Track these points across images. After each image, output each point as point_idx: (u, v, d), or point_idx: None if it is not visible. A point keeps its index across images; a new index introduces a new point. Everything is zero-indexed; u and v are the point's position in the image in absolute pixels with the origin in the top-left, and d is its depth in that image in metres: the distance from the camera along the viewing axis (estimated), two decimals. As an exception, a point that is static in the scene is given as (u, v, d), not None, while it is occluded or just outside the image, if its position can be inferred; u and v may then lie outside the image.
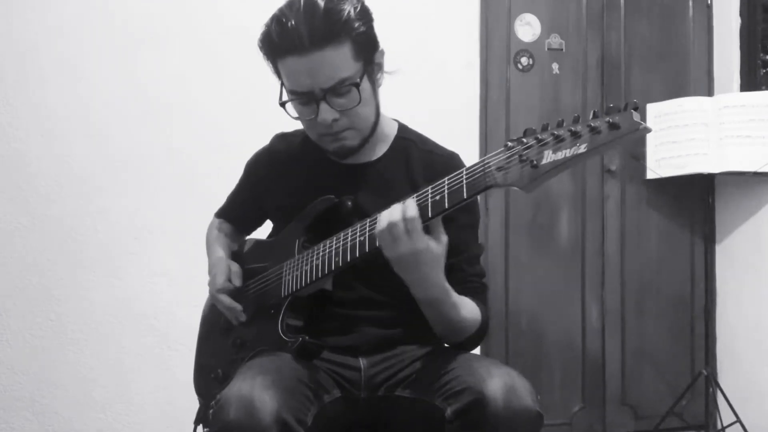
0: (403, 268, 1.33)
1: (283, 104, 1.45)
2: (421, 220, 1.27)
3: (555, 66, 3.30)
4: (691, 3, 3.43)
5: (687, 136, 3.00)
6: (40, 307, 2.75)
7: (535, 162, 1.13)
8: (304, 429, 1.27)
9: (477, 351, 2.70)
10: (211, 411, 1.27)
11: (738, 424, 2.90)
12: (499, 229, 3.19)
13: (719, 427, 3.03)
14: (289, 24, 1.35)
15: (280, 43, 1.38)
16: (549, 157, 1.11)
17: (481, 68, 3.23)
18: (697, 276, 3.35)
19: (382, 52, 1.50)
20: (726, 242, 3.33)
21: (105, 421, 2.79)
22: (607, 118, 1.07)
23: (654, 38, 3.40)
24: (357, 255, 1.36)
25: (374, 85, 1.49)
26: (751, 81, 3.32)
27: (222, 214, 1.82)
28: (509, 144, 1.17)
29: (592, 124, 1.08)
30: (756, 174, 2.94)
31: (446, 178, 1.26)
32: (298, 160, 1.62)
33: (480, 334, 1.50)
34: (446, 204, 1.25)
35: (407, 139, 1.60)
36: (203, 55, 2.91)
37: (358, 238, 1.36)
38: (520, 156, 1.15)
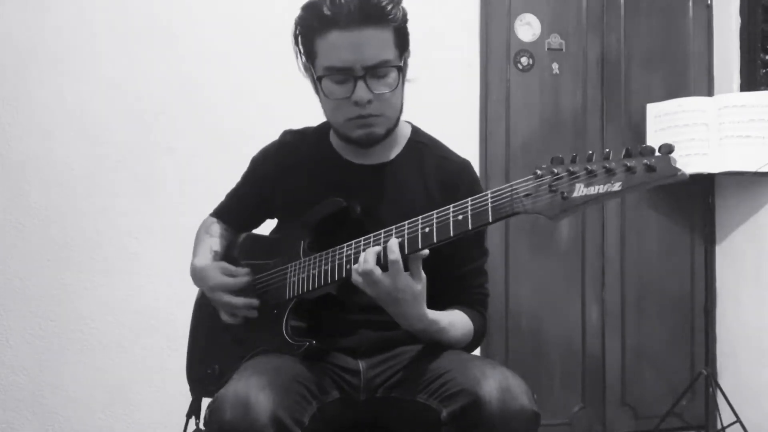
0: (382, 304, 1.35)
1: (319, 79, 1.45)
2: (438, 240, 1.27)
3: (555, 66, 3.30)
4: (691, 3, 3.43)
5: (687, 136, 2.99)
6: (40, 307, 2.76)
7: (566, 194, 1.13)
8: (301, 428, 1.28)
9: (476, 351, 2.71)
10: (207, 411, 1.27)
11: (738, 424, 2.90)
12: (499, 229, 3.19)
13: (719, 427, 3.03)
14: (342, 0, 1.38)
15: (330, 16, 1.39)
16: (581, 190, 1.11)
17: (481, 68, 3.23)
18: (697, 276, 3.35)
19: (410, 54, 1.52)
20: (726, 242, 3.33)
21: (105, 421, 2.79)
22: (644, 160, 1.07)
23: (654, 38, 3.40)
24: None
25: (404, 82, 1.50)
26: (751, 81, 3.32)
27: (218, 213, 1.80)
28: (538, 172, 1.17)
29: (627, 164, 1.08)
30: (756, 174, 2.94)
31: (469, 199, 1.25)
32: (309, 157, 1.61)
33: (475, 343, 1.53)
34: (469, 225, 1.24)
35: (420, 143, 1.60)
36: (203, 54, 2.91)
37: (372, 247, 1.35)
38: (550, 186, 1.14)
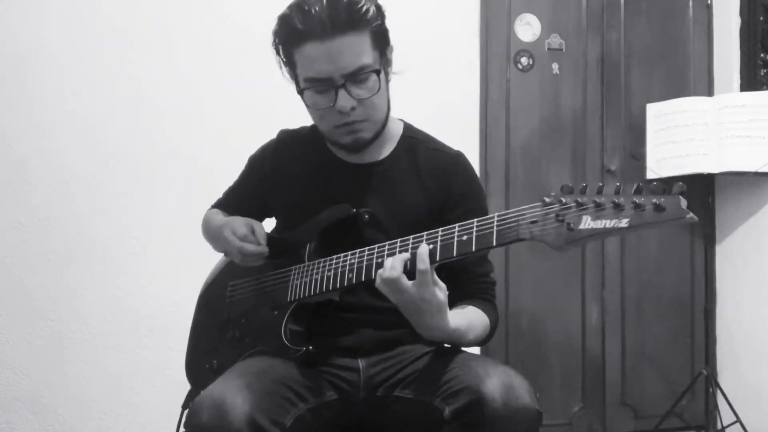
0: (405, 312, 1.33)
1: (301, 91, 1.46)
2: (440, 259, 1.27)
3: (555, 66, 3.30)
4: (691, 3, 3.43)
5: (687, 136, 2.99)
6: (39, 307, 2.76)
7: (572, 225, 1.11)
8: (282, 430, 1.28)
9: (476, 351, 2.72)
10: (187, 413, 1.29)
11: (738, 424, 2.90)
12: (499, 229, 3.18)
13: (719, 427, 3.03)
14: (313, 11, 1.37)
15: (302, 29, 1.38)
16: (587, 223, 1.10)
17: (481, 68, 3.23)
18: (697, 276, 3.35)
19: (392, 49, 1.52)
20: (726, 242, 3.33)
21: (105, 421, 2.79)
22: (654, 199, 1.05)
23: (654, 38, 3.40)
24: (372, 277, 1.34)
25: (387, 79, 1.51)
26: (751, 81, 3.32)
27: (219, 207, 1.80)
28: (546, 200, 1.16)
29: (636, 201, 1.06)
30: (756, 174, 2.94)
31: (475, 220, 1.25)
32: (305, 157, 1.62)
33: (490, 335, 1.52)
34: (473, 247, 1.24)
35: (413, 138, 1.61)
36: (202, 54, 2.91)
37: (375, 260, 1.35)
38: (558, 215, 1.13)
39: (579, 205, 1.11)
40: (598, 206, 1.09)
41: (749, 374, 3.17)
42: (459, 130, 3.04)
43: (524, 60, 3.27)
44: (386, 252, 1.33)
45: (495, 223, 1.22)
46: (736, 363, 3.26)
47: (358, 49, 1.40)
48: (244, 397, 1.25)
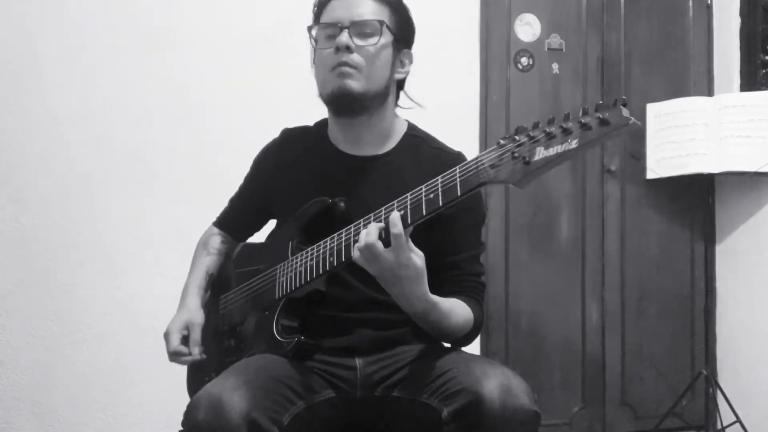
0: (384, 282, 1.34)
1: (309, 28, 1.56)
2: (412, 221, 1.28)
3: (555, 66, 3.30)
4: (691, 3, 3.43)
5: (687, 136, 3.00)
6: (40, 307, 2.75)
7: (527, 158, 1.15)
8: (279, 428, 1.28)
9: (476, 351, 2.72)
10: (185, 412, 1.28)
11: (738, 424, 2.91)
12: (499, 229, 3.19)
13: (719, 427, 3.04)
14: None
15: None
16: (541, 153, 1.14)
17: (481, 68, 3.23)
18: (697, 276, 3.35)
19: (411, 59, 1.61)
20: (726, 242, 3.33)
21: (105, 421, 2.79)
22: (597, 114, 1.10)
23: (654, 38, 3.40)
24: (351, 255, 1.35)
25: (394, 62, 1.56)
26: (751, 81, 3.32)
27: (220, 221, 1.82)
28: (501, 142, 1.20)
29: (582, 120, 1.11)
30: (756, 174, 2.94)
31: (439, 177, 1.27)
32: (308, 154, 1.64)
33: (473, 334, 1.52)
34: (440, 202, 1.26)
35: (416, 137, 1.63)
36: (205, 56, 2.91)
37: (352, 238, 1.36)
38: (513, 153, 1.17)
39: (531, 138, 1.16)
40: (549, 135, 1.14)
41: (749, 374, 3.18)
42: (459, 130, 3.03)
43: (524, 60, 3.27)
44: (361, 228, 1.35)
45: (457, 175, 1.24)
46: (736, 363, 3.26)
47: (374, 9, 1.52)
48: (242, 395, 1.25)
